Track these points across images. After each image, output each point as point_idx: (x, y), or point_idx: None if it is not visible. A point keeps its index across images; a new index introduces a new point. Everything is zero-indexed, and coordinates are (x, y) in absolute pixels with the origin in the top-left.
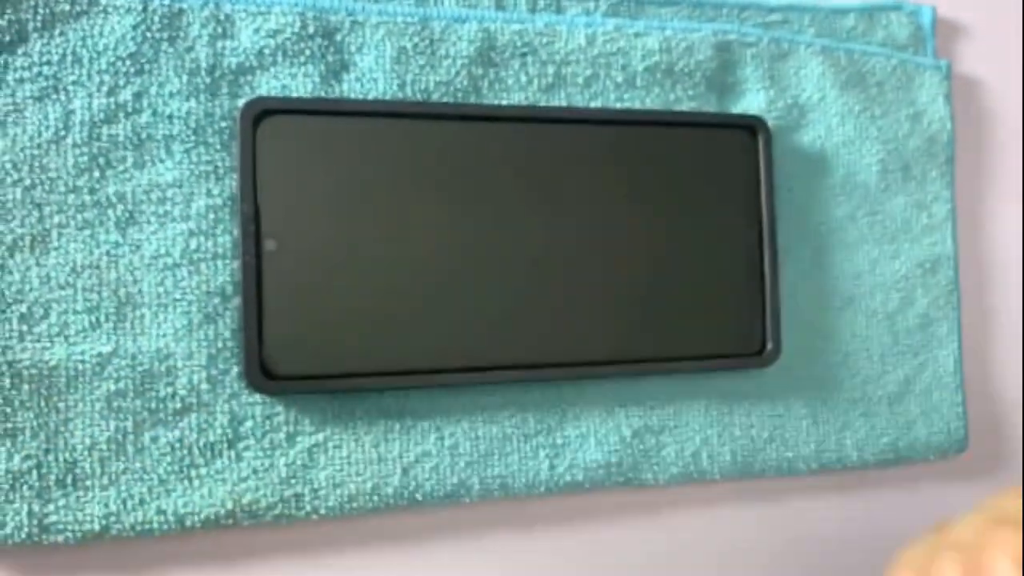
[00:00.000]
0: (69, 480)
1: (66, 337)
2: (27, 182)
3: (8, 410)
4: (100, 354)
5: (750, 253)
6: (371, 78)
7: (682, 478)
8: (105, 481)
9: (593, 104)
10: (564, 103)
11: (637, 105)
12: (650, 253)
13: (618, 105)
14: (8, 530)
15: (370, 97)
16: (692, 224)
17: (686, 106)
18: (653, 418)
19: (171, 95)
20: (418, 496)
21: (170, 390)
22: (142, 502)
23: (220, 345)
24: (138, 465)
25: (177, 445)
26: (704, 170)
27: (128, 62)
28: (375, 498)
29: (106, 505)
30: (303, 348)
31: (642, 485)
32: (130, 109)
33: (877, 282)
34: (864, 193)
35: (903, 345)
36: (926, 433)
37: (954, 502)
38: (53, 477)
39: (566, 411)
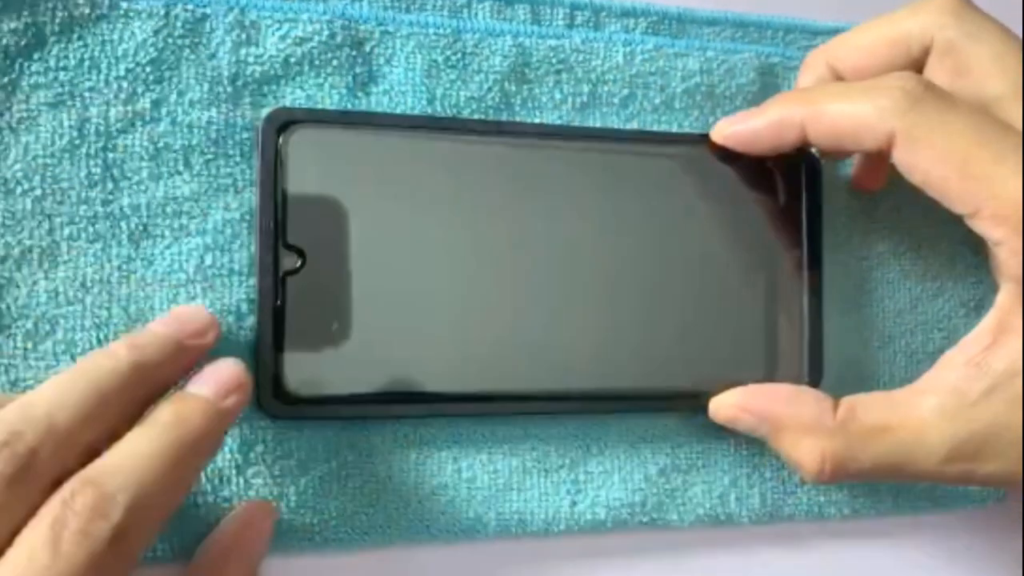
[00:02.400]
0: None
1: (72, 356)
2: (38, 192)
3: None
4: None
5: (791, 286)
6: (400, 91)
7: (709, 520)
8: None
9: (629, 125)
10: (598, 123)
11: (675, 128)
12: (685, 283)
13: (655, 127)
14: None
15: (398, 111)
16: (730, 254)
17: None
18: (680, 456)
19: (191, 104)
20: (432, 530)
21: None
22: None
23: None
24: None
25: None
26: (744, 199)
27: (147, 69)
28: (387, 531)
29: None
30: (319, 372)
31: (667, 526)
32: (148, 118)
33: (919, 320)
34: (909, 228)
35: None
36: None
37: (990, 551)
38: None
39: (590, 446)
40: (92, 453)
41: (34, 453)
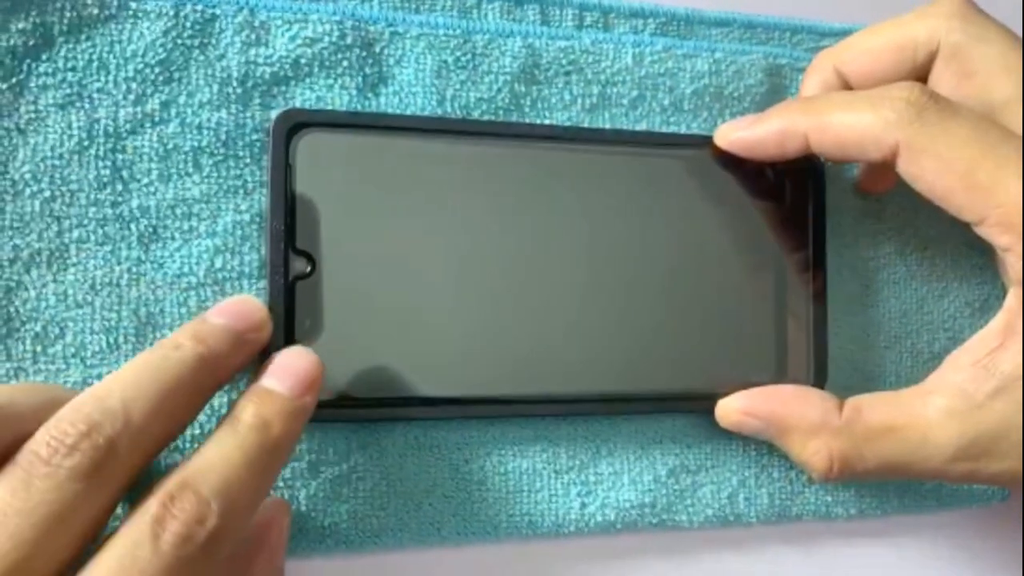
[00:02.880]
0: None
1: (82, 359)
2: (47, 194)
3: None
4: None
5: (796, 288)
6: (410, 92)
7: (718, 520)
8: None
9: (638, 126)
10: (608, 124)
11: (683, 130)
12: (692, 285)
13: (664, 128)
14: None
15: (408, 112)
16: (736, 256)
17: None
18: (689, 457)
19: (200, 105)
20: (443, 532)
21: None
22: None
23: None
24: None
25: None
26: (750, 200)
27: (157, 69)
28: (398, 534)
29: None
30: (330, 374)
31: (676, 527)
32: (157, 119)
33: (924, 322)
34: (914, 229)
35: None
36: None
37: (995, 552)
38: None
39: (599, 447)
40: (162, 445)
41: (113, 445)
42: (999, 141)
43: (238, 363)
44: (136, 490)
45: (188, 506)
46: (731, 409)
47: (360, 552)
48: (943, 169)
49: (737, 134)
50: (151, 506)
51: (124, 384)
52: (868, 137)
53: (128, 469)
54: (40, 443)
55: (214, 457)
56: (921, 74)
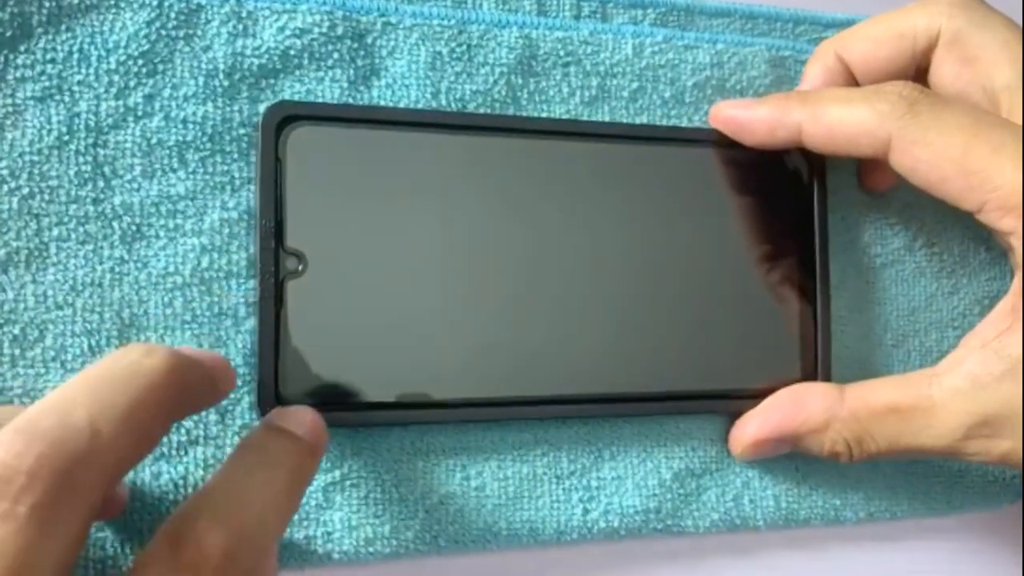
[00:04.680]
0: None
1: (63, 363)
2: (25, 191)
3: None
4: None
5: (800, 285)
6: (403, 84)
7: (723, 525)
8: (101, 520)
9: (638, 119)
10: (607, 117)
11: (685, 122)
12: (695, 284)
13: (665, 122)
14: None
15: (401, 105)
16: (740, 253)
17: None
18: (694, 460)
19: (185, 98)
20: (440, 541)
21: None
22: (143, 544)
23: None
24: (138, 504)
25: (181, 482)
26: (753, 196)
27: (140, 62)
28: (394, 542)
29: (102, 547)
30: (322, 377)
31: (681, 532)
32: (140, 113)
33: (933, 319)
34: (922, 225)
35: None
36: (981, 483)
37: (1007, 554)
38: None
39: (602, 451)
40: (132, 464)
41: (79, 467)
42: (992, 126)
43: (205, 398)
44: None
45: (220, 544)
46: (742, 444)
47: (354, 562)
48: (937, 158)
49: (731, 112)
50: (181, 548)
51: (90, 393)
52: (861, 131)
53: (98, 491)
54: None
55: (245, 491)
56: (923, 61)
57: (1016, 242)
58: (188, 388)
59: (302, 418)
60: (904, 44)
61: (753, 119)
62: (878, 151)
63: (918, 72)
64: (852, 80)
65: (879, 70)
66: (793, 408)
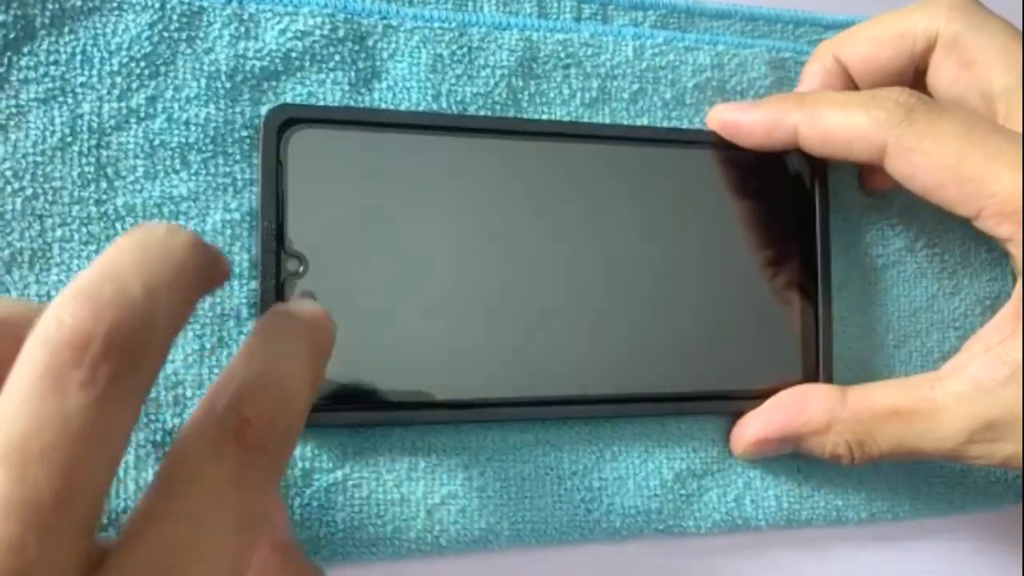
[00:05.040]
0: None
1: None
2: (28, 192)
3: None
4: None
5: (802, 286)
6: (404, 87)
7: (725, 526)
8: (104, 521)
9: (639, 121)
10: (608, 119)
11: (685, 124)
12: (696, 285)
13: (666, 123)
14: None
15: (402, 108)
16: (740, 253)
17: None
18: (696, 461)
19: (188, 100)
20: (442, 541)
21: (178, 421)
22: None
23: None
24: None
25: None
26: (754, 197)
27: (142, 63)
28: (396, 543)
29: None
30: (325, 378)
31: (683, 533)
32: (143, 114)
33: (934, 320)
34: (923, 225)
35: None
36: (983, 483)
37: (1008, 555)
38: None
39: (603, 451)
40: (175, 336)
41: (147, 337)
42: (988, 133)
43: (216, 279)
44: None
45: (262, 437)
46: (744, 443)
47: (356, 563)
48: (933, 165)
49: (729, 115)
50: (223, 419)
51: (137, 265)
52: (857, 136)
53: (160, 363)
54: (58, 341)
55: (272, 363)
56: (921, 63)
57: (1014, 248)
58: (208, 265)
59: (304, 303)
60: (902, 46)
61: (750, 122)
62: (874, 157)
63: (916, 74)
64: (850, 82)
65: (877, 72)
66: (795, 409)
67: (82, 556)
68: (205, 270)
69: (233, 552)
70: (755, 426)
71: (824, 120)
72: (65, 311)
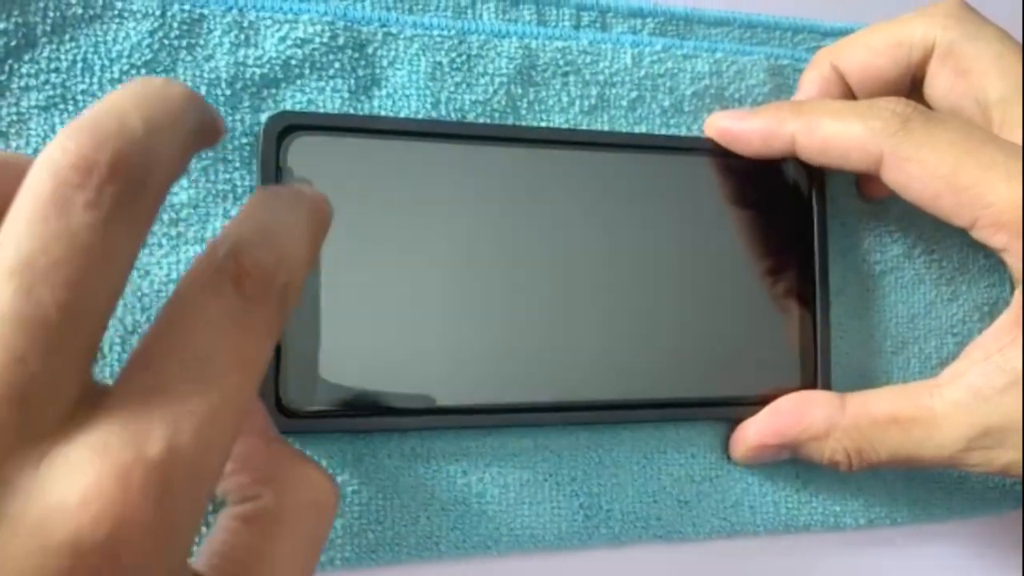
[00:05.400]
0: None
1: None
2: None
3: None
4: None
5: (800, 293)
6: (403, 95)
7: (723, 531)
8: None
9: (637, 129)
10: (607, 127)
11: (684, 131)
12: (694, 291)
13: (664, 131)
14: None
15: (402, 115)
16: (739, 260)
17: None
18: (694, 466)
19: None
20: (442, 547)
21: None
22: None
23: None
24: None
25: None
26: (753, 203)
27: (143, 71)
28: (395, 548)
29: None
30: (323, 384)
31: (681, 538)
32: None
33: (932, 326)
34: (921, 231)
35: None
36: (981, 489)
37: (1007, 560)
38: None
39: (602, 457)
40: (177, 177)
41: (151, 167)
42: (984, 143)
43: (212, 135)
44: None
45: (260, 291)
46: (743, 448)
47: (356, 568)
48: (929, 175)
49: (726, 123)
50: (222, 264)
51: (138, 104)
52: (853, 146)
53: (158, 203)
54: (62, 166)
55: (271, 224)
56: (917, 72)
57: (1010, 258)
58: (205, 119)
59: (303, 184)
60: (899, 55)
61: (747, 130)
62: (870, 167)
63: (913, 83)
64: (847, 89)
65: (874, 80)
66: (794, 415)
67: (81, 382)
68: (202, 122)
69: (233, 385)
70: (754, 432)
71: (821, 129)
72: (69, 140)
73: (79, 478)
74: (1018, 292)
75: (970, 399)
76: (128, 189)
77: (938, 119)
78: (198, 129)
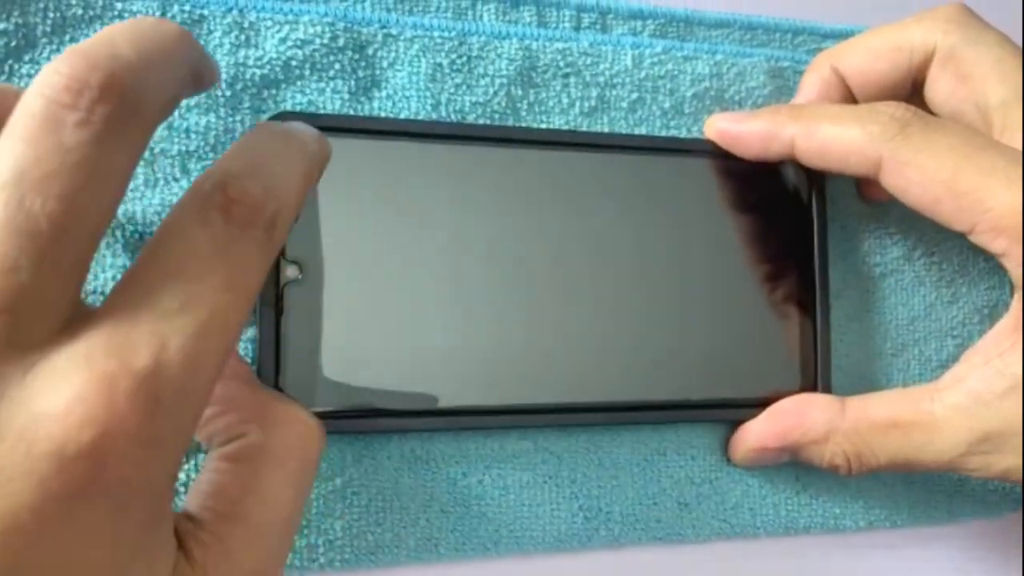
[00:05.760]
0: None
1: None
2: None
3: None
4: None
5: (800, 295)
6: (403, 96)
7: (723, 533)
8: None
9: (638, 130)
10: (606, 128)
11: (684, 133)
12: (694, 292)
13: (664, 132)
14: None
15: (402, 116)
16: (738, 262)
17: None
18: (694, 469)
19: (188, 108)
20: (441, 549)
21: None
22: None
23: None
24: None
25: (182, 489)
26: (753, 206)
27: None
28: (395, 550)
29: None
30: (323, 384)
31: (681, 540)
32: None
33: (932, 328)
34: (921, 234)
35: None
36: (981, 491)
37: (1007, 563)
38: None
39: (602, 459)
40: (173, 106)
41: (143, 90)
42: (983, 148)
43: (206, 76)
44: None
45: (247, 215)
46: (743, 451)
47: (355, 570)
48: (928, 179)
49: (725, 125)
50: (210, 194)
51: (130, 36)
52: (852, 150)
53: (150, 130)
54: (55, 87)
55: (261, 156)
56: (918, 76)
57: (1010, 263)
58: (197, 58)
59: (298, 123)
60: (900, 58)
61: (746, 132)
62: (869, 171)
63: (914, 87)
64: (848, 92)
65: (874, 84)
66: (795, 418)
67: (71, 299)
68: (195, 61)
69: (221, 307)
70: (754, 434)
71: (820, 133)
72: (62, 64)
73: (65, 386)
74: (1018, 296)
75: (970, 403)
76: (119, 111)
77: (937, 124)
78: (192, 69)
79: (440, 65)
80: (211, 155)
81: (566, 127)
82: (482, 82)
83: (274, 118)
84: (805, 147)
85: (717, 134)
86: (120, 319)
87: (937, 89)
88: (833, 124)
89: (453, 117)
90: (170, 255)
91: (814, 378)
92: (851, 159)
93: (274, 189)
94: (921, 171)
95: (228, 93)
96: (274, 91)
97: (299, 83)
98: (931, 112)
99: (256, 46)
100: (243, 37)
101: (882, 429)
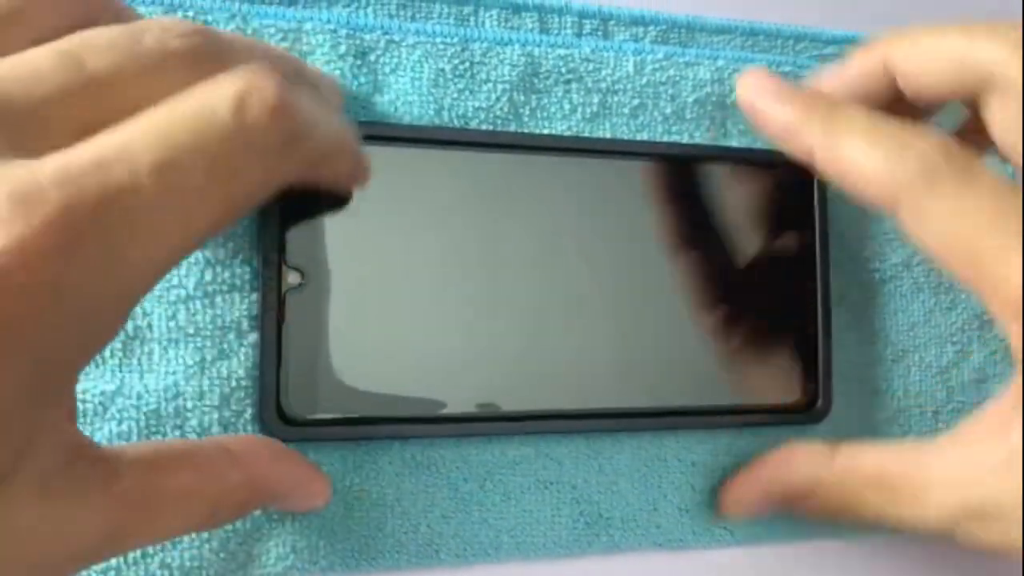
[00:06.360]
0: None
1: None
2: None
3: None
4: (103, 393)
5: (801, 301)
6: (406, 101)
7: (724, 540)
8: None
9: (639, 136)
10: (608, 134)
11: (685, 139)
12: (696, 296)
13: (666, 138)
14: None
15: (404, 122)
16: (739, 268)
17: (737, 141)
18: (696, 475)
19: None
20: (442, 555)
21: (178, 433)
22: (144, 556)
23: (234, 385)
24: None
25: None
26: (754, 211)
27: None
28: (396, 555)
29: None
30: (324, 390)
31: (682, 547)
32: None
33: (932, 334)
34: None
35: (957, 402)
36: None
37: (1008, 566)
38: None
39: (603, 465)
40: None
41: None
42: (1009, 215)
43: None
44: None
45: (276, 91)
46: (733, 502)
47: (356, 574)
48: (945, 234)
49: (757, 96)
50: (233, 78)
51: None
52: (872, 182)
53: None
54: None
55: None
56: (975, 91)
57: (1012, 339)
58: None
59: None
60: (958, 71)
61: (772, 118)
62: (886, 204)
63: (970, 101)
64: (894, 87)
65: (926, 88)
66: (782, 470)
67: (11, 143)
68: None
69: (202, 186)
70: (742, 489)
71: (843, 152)
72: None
73: None
74: (1019, 369)
75: (964, 474)
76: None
77: (969, 177)
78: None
79: (442, 71)
80: None
81: (568, 133)
82: (484, 88)
83: None
84: (824, 161)
85: (746, 98)
86: (80, 148)
87: (994, 118)
88: (859, 145)
89: (455, 123)
90: (188, 120)
91: (816, 384)
92: (869, 190)
93: (297, 109)
94: (941, 223)
95: None
96: None
97: None
98: (983, 130)
99: None
100: None
101: (870, 482)
